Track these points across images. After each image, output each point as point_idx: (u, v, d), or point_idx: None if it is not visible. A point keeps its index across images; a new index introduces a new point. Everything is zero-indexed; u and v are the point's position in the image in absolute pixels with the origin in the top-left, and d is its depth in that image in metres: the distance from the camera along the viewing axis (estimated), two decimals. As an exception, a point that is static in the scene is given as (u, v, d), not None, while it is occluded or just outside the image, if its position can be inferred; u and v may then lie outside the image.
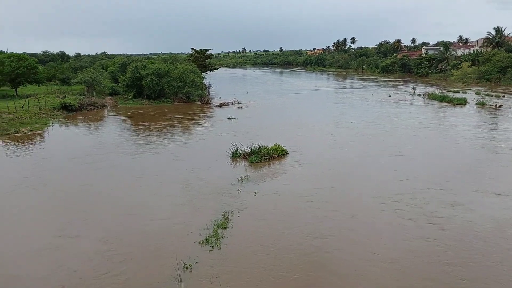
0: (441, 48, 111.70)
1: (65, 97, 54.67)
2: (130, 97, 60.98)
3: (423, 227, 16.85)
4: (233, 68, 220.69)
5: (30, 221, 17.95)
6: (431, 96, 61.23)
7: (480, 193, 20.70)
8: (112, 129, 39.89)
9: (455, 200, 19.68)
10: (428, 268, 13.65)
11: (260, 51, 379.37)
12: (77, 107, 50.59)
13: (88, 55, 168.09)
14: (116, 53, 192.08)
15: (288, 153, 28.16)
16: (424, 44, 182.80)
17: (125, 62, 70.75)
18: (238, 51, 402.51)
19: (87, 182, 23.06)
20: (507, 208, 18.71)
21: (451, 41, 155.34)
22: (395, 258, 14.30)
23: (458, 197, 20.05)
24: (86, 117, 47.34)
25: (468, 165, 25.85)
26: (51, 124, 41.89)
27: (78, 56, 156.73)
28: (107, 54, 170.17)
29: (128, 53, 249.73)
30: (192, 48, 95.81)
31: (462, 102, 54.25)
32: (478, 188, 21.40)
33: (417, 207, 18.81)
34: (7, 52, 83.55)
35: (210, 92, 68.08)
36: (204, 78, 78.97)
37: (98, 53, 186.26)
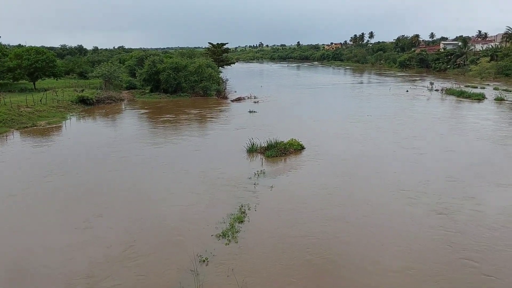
0: (460, 43, 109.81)
1: (82, 90, 55.25)
2: (147, 91, 61.33)
3: (430, 216, 17.05)
4: (250, 62, 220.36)
5: (53, 211, 18.20)
6: (449, 92, 60.26)
7: (492, 186, 20.66)
8: (130, 122, 40.20)
9: (466, 191, 19.74)
10: (436, 255, 13.47)
11: (277, 45, 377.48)
12: (94, 100, 51.01)
13: (106, 49, 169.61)
14: (133, 47, 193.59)
15: (304, 148, 27.95)
16: (443, 39, 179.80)
17: (142, 56, 71.19)
18: (255, 45, 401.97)
19: (107, 172, 23.37)
20: None
21: (470, 36, 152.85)
22: (406, 246, 14.17)
23: (470, 189, 20.07)
24: (104, 110, 47.77)
25: (482, 159, 25.60)
26: (69, 117, 42.37)
27: (95, 50, 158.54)
28: (125, 48, 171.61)
29: (145, 47, 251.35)
30: (209, 42, 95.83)
31: (480, 98, 53.37)
32: (490, 181, 21.30)
33: (428, 197, 18.91)
34: (25, 45, 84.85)
35: (226, 87, 68.03)
36: (221, 72, 78.90)
37: (116, 47, 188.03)
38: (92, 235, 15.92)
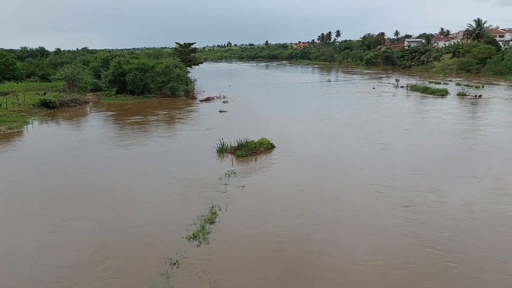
0: (423, 41, 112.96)
1: (45, 94, 53.56)
2: (113, 93, 60.06)
3: (396, 208, 17.53)
4: (218, 62, 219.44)
5: (20, 216, 17.54)
6: (414, 88, 61.88)
7: (455, 178, 21.38)
8: (96, 125, 39.27)
9: (430, 184, 20.37)
10: (401, 242, 13.79)
11: (246, 44, 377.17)
12: (58, 104, 49.40)
13: (69, 51, 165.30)
14: (98, 49, 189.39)
15: (275, 147, 28.03)
16: (407, 36, 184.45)
17: (107, 58, 69.72)
18: (223, 45, 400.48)
19: (75, 176, 22.76)
20: (476, 189, 19.60)
21: (433, 33, 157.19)
22: (373, 239, 14.45)
23: (434, 182, 20.68)
24: (68, 114, 46.44)
25: (446, 152, 26.42)
26: (31, 121, 40.97)
27: (58, 51, 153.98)
28: (89, 49, 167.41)
29: (110, 48, 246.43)
30: (176, 43, 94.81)
31: (443, 93, 54.94)
32: (453, 173, 22.06)
33: (394, 191, 19.38)
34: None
35: (195, 87, 67.47)
36: (189, 72, 78.16)
37: (79, 49, 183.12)
38: (60, 238, 15.52)
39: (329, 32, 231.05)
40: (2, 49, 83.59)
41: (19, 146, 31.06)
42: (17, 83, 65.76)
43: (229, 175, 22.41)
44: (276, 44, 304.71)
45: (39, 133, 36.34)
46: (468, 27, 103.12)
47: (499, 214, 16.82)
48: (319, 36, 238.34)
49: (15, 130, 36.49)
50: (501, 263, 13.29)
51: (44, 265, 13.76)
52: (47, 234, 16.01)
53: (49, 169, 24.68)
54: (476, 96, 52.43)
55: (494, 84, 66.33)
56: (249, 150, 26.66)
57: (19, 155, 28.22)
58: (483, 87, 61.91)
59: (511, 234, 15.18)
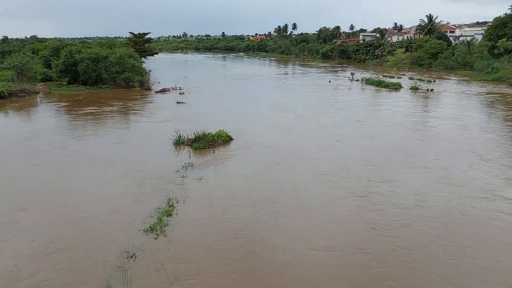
0: (378, 35, 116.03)
1: (-8, 83, 50.84)
2: (65, 83, 57.82)
3: (350, 198, 18.15)
4: (174, 53, 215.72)
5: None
6: (368, 81, 63.49)
7: (406, 168, 22.28)
8: (48, 116, 37.78)
9: (383, 174, 21.14)
10: (352, 229, 14.40)
11: (202, 36, 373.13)
12: (6, 94, 47.10)
13: (17, 39, 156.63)
14: (47, 37, 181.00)
15: (232, 139, 28.13)
16: (362, 30, 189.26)
17: (58, 46, 66.85)
18: (179, 35, 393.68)
19: (28, 167, 22.05)
20: (426, 179, 20.53)
21: (387, 28, 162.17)
22: (328, 226, 14.97)
23: (387, 172, 21.53)
24: (17, 104, 44.45)
25: (398, 143, 27.49)
26: (-24, 112, 38.91)
27: (5, 39, 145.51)
28: (38, 38, 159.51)
29: (61, 36, 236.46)
30: (130, 32, 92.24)
31: (396, 87, 56.75)
32: (404, 164, 23.00)
33: (348, 181, 19.99)
34: None
35: (150, 78, 66.20)
36: (144, 63, 76.46)
37: (28, 37, 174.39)
38: (15, 229, 15.19)
39: (286, 25, 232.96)
40: None
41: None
42: (-41, 72, 61.94)
43: (186, 168, 22.31)
44: (233, 35, 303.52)
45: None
46: (420, 22, 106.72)
47: (446, 202, 17.79)
48: (275, 29, 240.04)
49: (-42, 122, 34.56)
50: (448, 247, 14.11)
51: (-7, 261, 13.34)
52: (1, 224, 15.64)
53: (1, 160, 23.72)
54: (427, 90, 54.54)
55: (444, 79, 69.28)
56: (206, 142, 26.59)
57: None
58: (434, 81, 64.53)
59: (456, 221, 16.12)
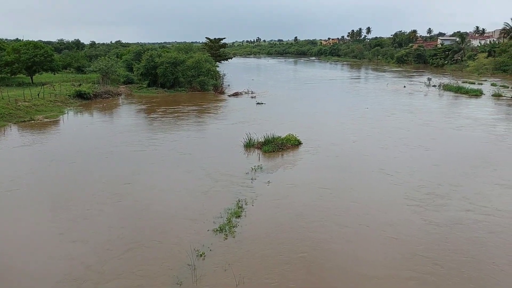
0: (457, 39, 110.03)
1: (80, 85, 55.20)
2: (145, 85, 61.26)
3: (430, 224, 16.99)
4: (247, 57, 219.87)
5: (48, 201, 18.36)
6: (446, 87, 60.46)
7: (488, 184, 20.76)
8: (128, 116, 40.24)
9: (473, 191, 19.78)
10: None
11: (275, 40, 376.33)
12: (92, 95, 51.01)
13: (103, 44, 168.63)
14: (130, 42, 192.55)
15: (301, 143, 28.12)
16: (440, 34, 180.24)
17: (139, 51, 71.02)
18: (252, 40, 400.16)
19: (106, 166, 23.53)
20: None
21: (467, 31, 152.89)
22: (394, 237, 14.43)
23: (465, 188, 20.15)
24: (101, 105, 47.78)
25: (480, 155, 25.72)
26: (66, 112, 42.38)
27: (93, 44, 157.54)
28: (122, 43, 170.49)
29: (142, 41, 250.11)
30: (206, 37, 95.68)
31: (477, 93, 53.51)
32: (486, 179, 21.41)
33: (425, 195, 18.91)
34: (22, 40, 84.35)
35: (224, 82, 68.06)
36: (218, 67, 78.82)
37: (113, 42, 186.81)
38: (90, 227, 16.14)
39: (360, 29, 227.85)
40: (41, 41, 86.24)
41: (54, 135, 32.27)
42: (54, 74, 67.90)
43: (255, 170, 22.68)
44: (305, 40, 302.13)
45: (74, 123, 37.50)
46: (505, 25, 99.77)
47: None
48: (349, 33, 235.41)
49: (52, 120, 37.89)
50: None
51: (70, 260, 14.40)
52: (74, 222, 16.76)
53: (83, 159, 25.62)
54: (512, 97, 50.81)
55: (531, 85, 64.00)
56: (275, 146, 26.87)
57: (54, 143, 29.26)
58: (520, 88, 59.93)
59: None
